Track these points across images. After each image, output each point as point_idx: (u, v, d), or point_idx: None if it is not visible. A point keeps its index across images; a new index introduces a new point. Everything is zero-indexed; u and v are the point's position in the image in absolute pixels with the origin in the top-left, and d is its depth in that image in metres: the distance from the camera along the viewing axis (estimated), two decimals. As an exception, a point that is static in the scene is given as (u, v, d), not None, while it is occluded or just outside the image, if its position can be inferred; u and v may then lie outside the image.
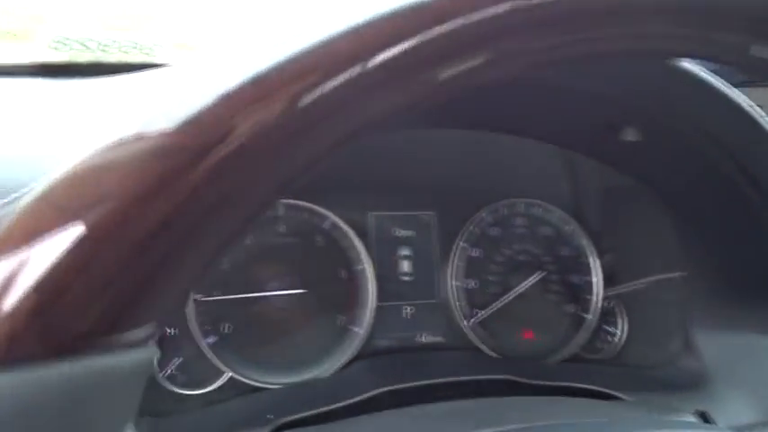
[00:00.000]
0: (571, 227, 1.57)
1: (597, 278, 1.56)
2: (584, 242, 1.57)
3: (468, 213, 1.50)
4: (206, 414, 1.20)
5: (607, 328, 1.56)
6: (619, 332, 1.58)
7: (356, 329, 1.41)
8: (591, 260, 1.58)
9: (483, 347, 1.45)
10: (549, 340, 1.54)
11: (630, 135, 1.12)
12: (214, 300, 1.35)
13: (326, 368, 1.36)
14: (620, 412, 0.96)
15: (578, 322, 1.55)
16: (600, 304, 1.55)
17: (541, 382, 1.21)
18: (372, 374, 1.24)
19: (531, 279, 1.47)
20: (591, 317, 1.53)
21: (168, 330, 1.32)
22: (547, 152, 1.49)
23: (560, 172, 1.57)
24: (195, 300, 1.30)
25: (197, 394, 1.31)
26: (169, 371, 1.31)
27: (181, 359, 1.32)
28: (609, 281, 1.61)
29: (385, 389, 1.11)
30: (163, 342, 1.31)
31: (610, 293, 1.60)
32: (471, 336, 1.44)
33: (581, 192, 1.61)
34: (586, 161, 1.48)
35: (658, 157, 1.27)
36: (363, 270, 1.42)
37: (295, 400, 1.20)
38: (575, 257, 1.59)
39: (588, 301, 1.55)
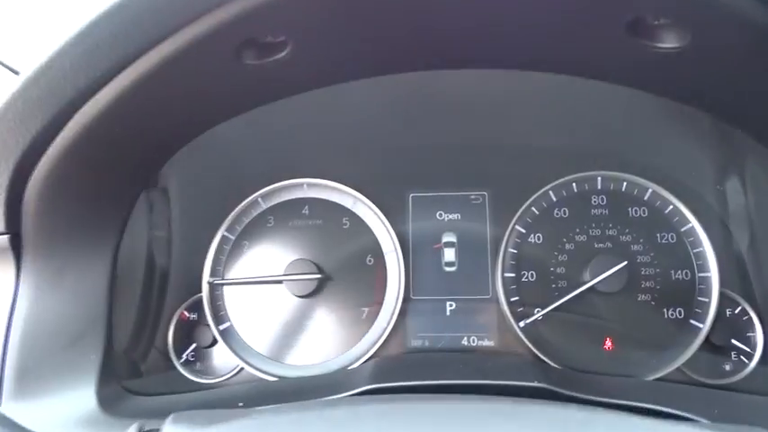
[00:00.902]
0: (672, 206, 1.15)
1: (714, 273, 1.10)
2: (694, 225, 1.18)
3: (527, 192, 1.17)
4: (192, 397, 1.07)
5: (735, 342, 1.09)
6: (750, 350, 1.10)
7: (380, 323, 1.17)
8: (704, 249, 1.18)
9: (543, 356, 1.13)
10: (638, 354, 1.15)
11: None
12: (228, 283, 1.25)
13: (342, 363, 1.15)
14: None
15: (685, 332, 1.16)
16: (716, 309, 1.11)
17: (599, 398, 0.89)
18: (380, 373, 0.99)
19: (610, 270, 1.08)
20: (705, 326, 1.09)
21: (187, 315, 1.22)
22: (637, 105, 1.13)
23: (657, 133, 1.19)
24: (209, 283, 1.19)
25: (211, 383, 1.19)
26: (185, 357, 1.21)
27: (195, 345, 1.21)
28: (735, 279, 1.17)
29: (372, 386, 0.92)
30: (184, 327, 1.21)
31: (736, 297, 1.15)
32: (525, 340, 1.11)
33: (687, 159, 1.18)
34: (696, 116, 1.08)
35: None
36: (393, 256, 1.18)
37: (282, 393, 1.01)
38: (680, 245, 1.19)
39: (702, 305, 1.11)
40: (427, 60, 1.04)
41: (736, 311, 1.12)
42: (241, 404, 0.94)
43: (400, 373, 0.97)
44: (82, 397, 0.92)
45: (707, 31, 0.75)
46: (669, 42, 0.81)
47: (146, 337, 1.18)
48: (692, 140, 1.15)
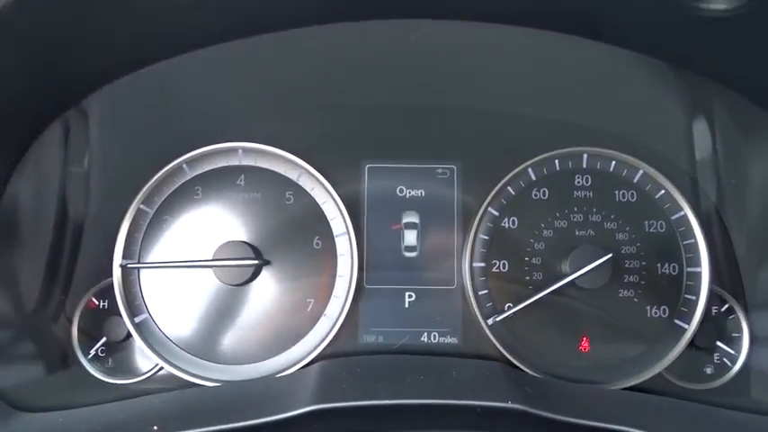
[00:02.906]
0: (664, 190, 0.95)
1: (705, 268, 0.92)
2: (686, 213, 1.02)
3: (504, 167, 0.94)
4: (92, 412, 0.82)
5: (720, 344, 0.93)
6: (735, 353, 0.94)
7: (329, 317, 0.95)
8: (696, 241, 1.02)
9: (513, 359, 0.96)
10: (617, 357, 1.01)
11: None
12: (144, 266, 1.02)
13: (282, 364, 0.93)
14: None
15: (669, 333, 1.01)
16: (705, 308, 0.98)
17: (575, 420, 0.77)
18: (328, 384, 0.78)
19: (593, 263, 0.89)
20: (691, 326, 0.92)
21: (96, 302, 0.95)
22: (627, 68, 0.96)
23: (648, 101, 1.02)
24: (121, 266, 0.92)
25: (123, 384, 0.94)
26: (93, 352, 0.95)
27: (105, 339, 0.95)
28: (725, 275, 1.04)
29: (315, 407, 0.75)
30: (93, 316, 0.95)
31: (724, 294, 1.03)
32: (494, 339, 0.91)
33: (682, 134, 1.03)
34: (696, 83, 0.94)
35: None
36: (344, 239, 0.94)
37: (206, 408, 0.78)
38: (669, 235, 1.03)
39: (688, 304, 0.94)
40: (390, 5, 0.79)
41: (723, 310, 0.97)
42: (155, 428, 0.70)
43: (350, 387, 0.77)
44: None
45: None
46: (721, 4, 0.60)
47: (47, 318, 0.93)
48: (693, 112, 0.95)
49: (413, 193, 1.04)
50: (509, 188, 1.00)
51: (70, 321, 1.01)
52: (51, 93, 0.82)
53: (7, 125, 0.80)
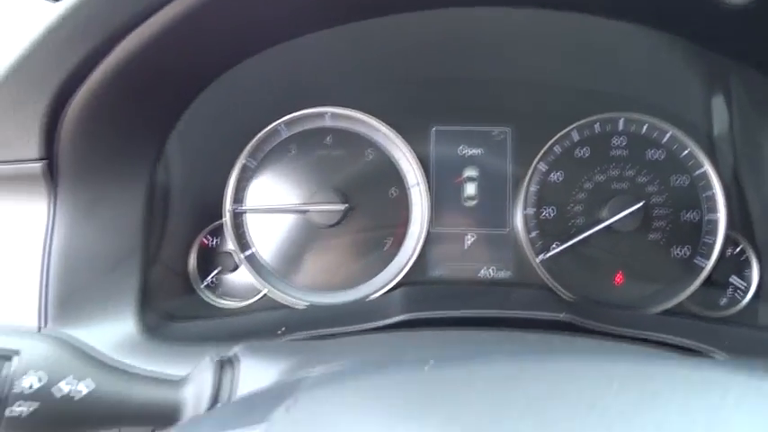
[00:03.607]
0: (689, 149, 1.14)
1: (722, 216, 1.12)
2: (707, 169, 1.19)
3: (551, 130, 1.14)
4: (228, 322, 1.04)
5: (733, 280, 1.13)
6: (746, 285, 1.14)
7: (403, 254, 1.15)
8: (715, 193, 1.19)
9: (557, 287, 1.12)
10: (646, 289, 1.19)
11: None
12: (251, 211, 1.21)
13: (366, 292, 1.13)
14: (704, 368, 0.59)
15: (690, 270, 1.19)
16: (721, 249, 1.16)
17: (611, 328, 0.93)
18: (412, 303, 0.98)
19: (627, 210, 1.09)
20: (708, 264, 1.11)
21: (208, 241, 1.17)
22: (655, 46, 1.11)
23: (675, 75, 1.18)
24: (231, 210, 1.13)
25: (233, 308, 1.16)
26: (208, 281, 1.17)
27: (219, 269, 1.17)
28: (739, 222, 1.21)
29: (409, 316, 0.92)
30: (205, 253, 1.16)
31: (738, 237, 1.20)
32: (542, 273, 1.11)
33: (704, 103, 1.16)
34: (715, 60, 1.05)
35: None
36: (417, 189, 1.15)
37: (318, 319, 0.99)
38: (692, 188, 1.21)
39: (707, 245, 1.13)
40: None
41: (736, 251, 1.15)
42: (282, 330, 0.92)
43: (431, 304, 0.97)
44: (123, 323, 0.90)
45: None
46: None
47: (171, 264, 1.14)
48: (712, 85, 1.13)
49: (472, 151, 1.23)
50: (556, 147, 1.19)
51: (188, 257, 1.21)
52: (204, 66, 1.01)
53: (167, 94, 0.99)
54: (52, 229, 0.88)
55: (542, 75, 1.18)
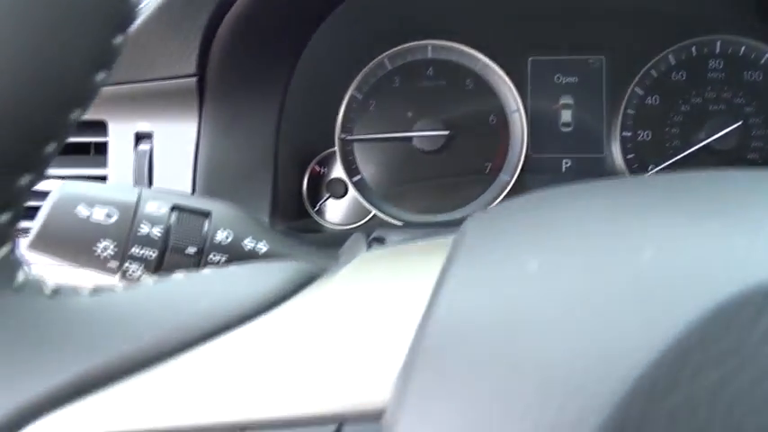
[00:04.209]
0: None
1: None
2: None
3: (647, 56, 1.19)
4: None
5: None
6: None
7: (504, 177, 1.22)
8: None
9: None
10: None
11: None
12: (360, 139, 1.30)
13: (467, 213, 1.20)
14: None
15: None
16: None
17: None
18: None
19: (725, 129, 1.12)
20: None
21: (318, 168, 1.27)
22: None
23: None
24: (340, 138, 1.23)
25: (345, 228, 1.26)
26: (319, 206, 1.27)
27: (329, 195, 1.27)
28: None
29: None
30: (314, 180, 1.27)
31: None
32: None
33: None
34: None
35: None
36: (516, 116, 1.22)
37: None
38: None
39: None
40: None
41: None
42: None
43: None
44: None
45: None
46: None
47: (287, 188, 1.24)
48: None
49: (568, 79, 1.28)
50: (652, 71, 1.23)
51: (301, 185, 1.31)
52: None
53: (299, 18, 1.07)
54: (198, 143, 0.98)
55: (635, 2, 1.21)
